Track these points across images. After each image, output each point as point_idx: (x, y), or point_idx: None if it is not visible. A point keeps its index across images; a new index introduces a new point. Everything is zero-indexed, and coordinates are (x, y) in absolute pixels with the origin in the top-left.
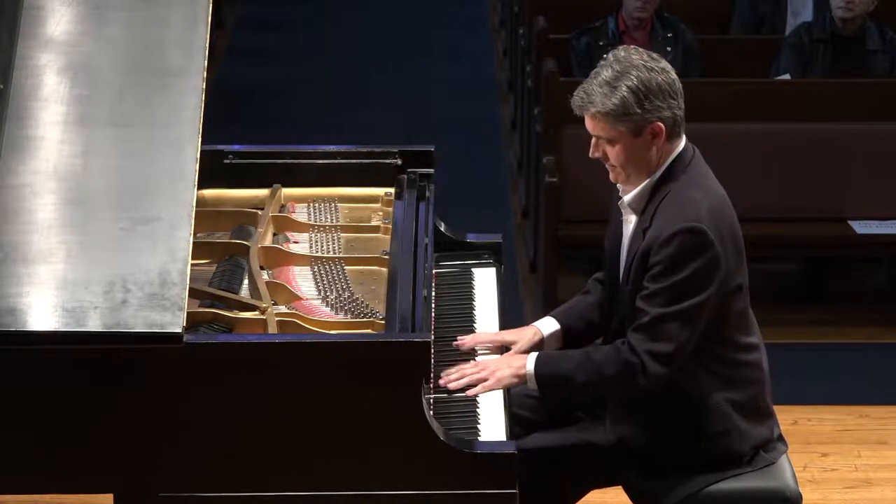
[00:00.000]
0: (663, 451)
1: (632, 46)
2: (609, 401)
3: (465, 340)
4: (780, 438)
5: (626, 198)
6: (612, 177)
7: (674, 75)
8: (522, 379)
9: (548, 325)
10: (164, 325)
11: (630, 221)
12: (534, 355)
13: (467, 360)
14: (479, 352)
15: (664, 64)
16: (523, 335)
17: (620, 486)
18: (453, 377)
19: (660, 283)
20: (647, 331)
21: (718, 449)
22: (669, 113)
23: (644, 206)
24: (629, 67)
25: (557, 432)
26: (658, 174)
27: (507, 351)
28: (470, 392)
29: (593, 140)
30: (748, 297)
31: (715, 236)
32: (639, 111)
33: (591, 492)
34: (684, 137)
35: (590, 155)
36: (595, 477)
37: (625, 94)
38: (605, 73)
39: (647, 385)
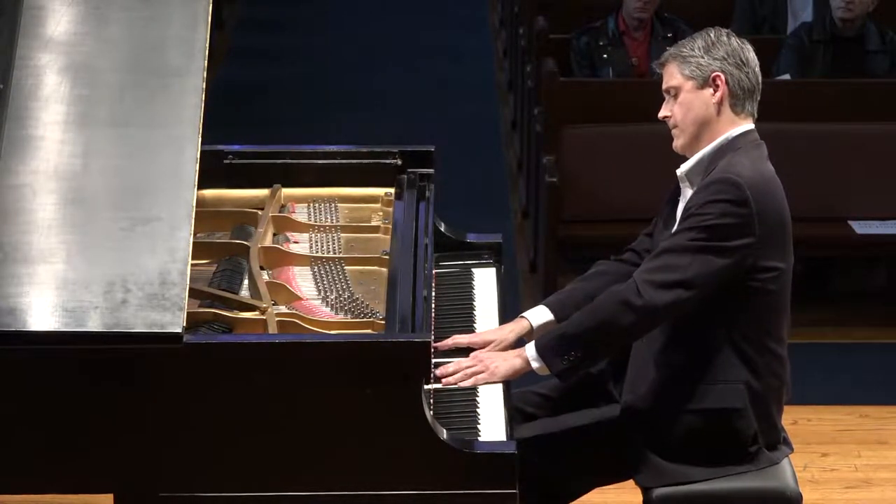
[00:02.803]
0: (671, 419)
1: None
2: (630, 369)
3: (444, 344)
4: (786, 441)
5: (683, 167)
6: (674, 143)
7: (752, 54)
8: (520, 370)
9: (539, 316)
10: (164, 325)
11: (685, 197)
12: (531, 342)
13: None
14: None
15: (749, 46)
16: (502, 335)
17: (620, 485)
18: (450, 371)
19: (684, 224)
20: (652, 260)
21: (726, 428)
22: (736, 73)
23: (702, 179)
24: (712, 29)
25: (558, 427)
26: (716, 144)
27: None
28: (465, 383)
29: (665, 101)
30: (788, 288)
31: (752, 198)
32: (705, 56)
33: (591, 491)
34: (753, 124)
35: (658, 115)
36: (597, 468)
37: (699, 42)
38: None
39: (644, 308)
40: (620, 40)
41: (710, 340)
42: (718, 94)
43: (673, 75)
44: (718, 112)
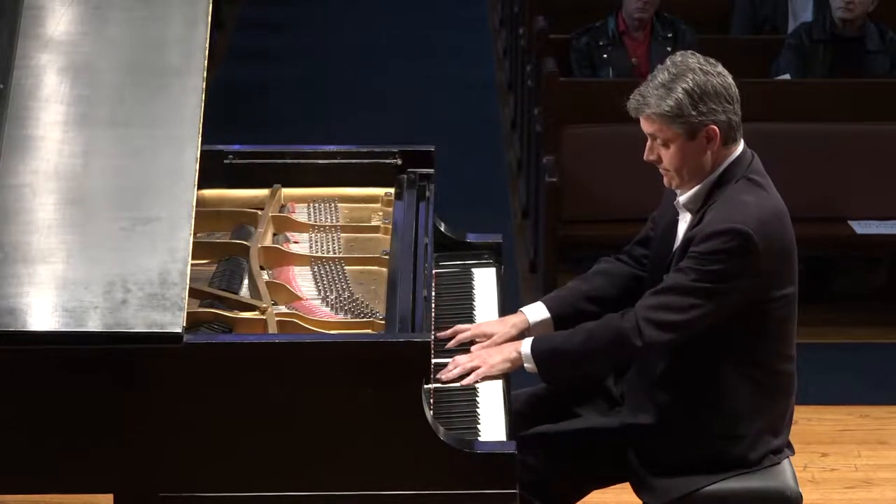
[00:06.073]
0: (674, 446)
1: (689, 51)
2: (632, 388)
3: (445, 334)
4: (789, 445)
5: (682, 198)
6: (665, 181)
7: (730, 79)
8: (516, 363)
9: (536, 312)
10: (164, 325)
11: (685, 220)
12: (529, 338)
13: (463, 353)
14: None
15: (721, 68)
16: (501, 328)
17: (620, 485)
18: (448, 368)
19: (688, 263)
20: (656, 296)
21: (730, 451)
22: (724, 117)
23: (699, 207)
24: (685, 70)
25: (559, 427)
26: (714, 177)
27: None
28: (464, 381)
29: (648, 143)
30: (796, 307)
31: (760, 242)
32: (693, 113)
33: (591, 492)
34: (742, 143)
35: (644, 157)
36: (597, 472)
37: (680, 95)
38: (660, 76)
39: (643, 349)
40: (620, 40)
41: (719, 371)
42: (714, 143)
43: (660, 130)
44: (713, 155)
